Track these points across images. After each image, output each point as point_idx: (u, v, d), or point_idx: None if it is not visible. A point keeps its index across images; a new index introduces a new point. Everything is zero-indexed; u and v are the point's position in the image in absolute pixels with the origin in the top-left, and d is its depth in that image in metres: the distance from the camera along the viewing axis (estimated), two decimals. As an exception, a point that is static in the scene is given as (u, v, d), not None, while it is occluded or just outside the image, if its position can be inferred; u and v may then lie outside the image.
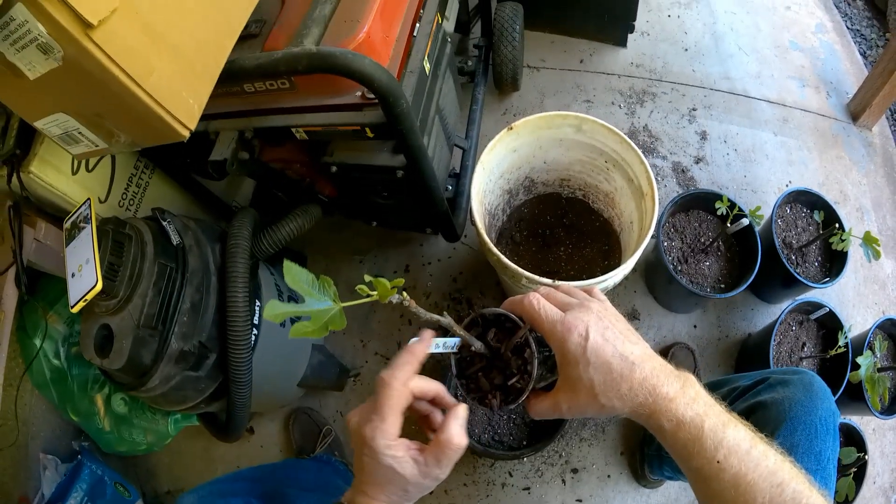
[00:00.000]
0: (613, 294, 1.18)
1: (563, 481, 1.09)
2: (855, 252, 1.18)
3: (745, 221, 1.09)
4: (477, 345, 0.52)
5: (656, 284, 1.17)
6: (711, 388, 0.76)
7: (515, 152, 1.02)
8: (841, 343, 1.08)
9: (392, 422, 0.45)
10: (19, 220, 1.07)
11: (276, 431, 1.19)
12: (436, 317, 0.46)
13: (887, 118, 1.52)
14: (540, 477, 1.09)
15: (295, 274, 0.42)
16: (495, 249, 0.87)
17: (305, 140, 0.92)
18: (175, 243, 0.94)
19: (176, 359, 0.88)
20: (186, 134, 0.71)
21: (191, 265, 0.92)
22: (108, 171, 1.09)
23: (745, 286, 1.07)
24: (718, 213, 1.08)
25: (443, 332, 0.51)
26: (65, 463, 1.28)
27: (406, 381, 0.46)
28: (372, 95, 0.78)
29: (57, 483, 1.21)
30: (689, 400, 0.44)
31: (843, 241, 1.11)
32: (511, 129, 0.98)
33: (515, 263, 0.86)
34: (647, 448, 1.02)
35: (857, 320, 1.28)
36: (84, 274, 0.86)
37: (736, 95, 1.33)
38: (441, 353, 0.53)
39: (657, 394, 0.44)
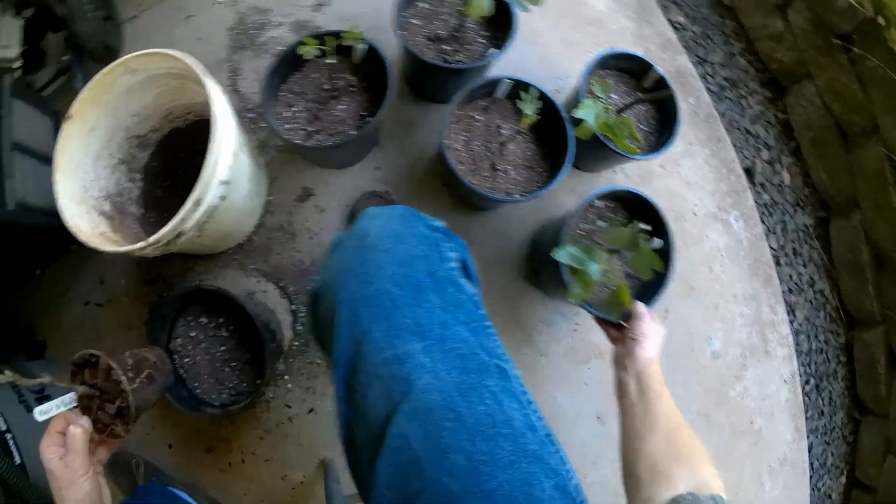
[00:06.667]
0: (274, 188, 1.17)
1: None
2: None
3: (361, 47, 1.03)
4: (80, 389, 0.63)
5: (306, 154, 1.14)
6: None
7: (97, 130, 1.01)
8: (527, 109, 0.99)
9: (48, 437, 0.59)
10: None
11: (113, 488, 1.26)
12: (33, 381, 0.59)
13: None
14: (313, 393, 1.12)
15: None
16: (84, 238, 0.89)
17: None
18: None
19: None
20: None
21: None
22: None
23: (385, 103, 1.01)
24: (303, 55, 1.01)
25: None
26: None
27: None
28: None
29: None
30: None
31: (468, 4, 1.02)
32: (70, 117, 0.96)
33: (175, 211, 0.84)
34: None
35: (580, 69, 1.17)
36: None
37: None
38: (63, 412, 0.62)
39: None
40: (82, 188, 1.00)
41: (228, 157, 0.92)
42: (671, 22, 1.39)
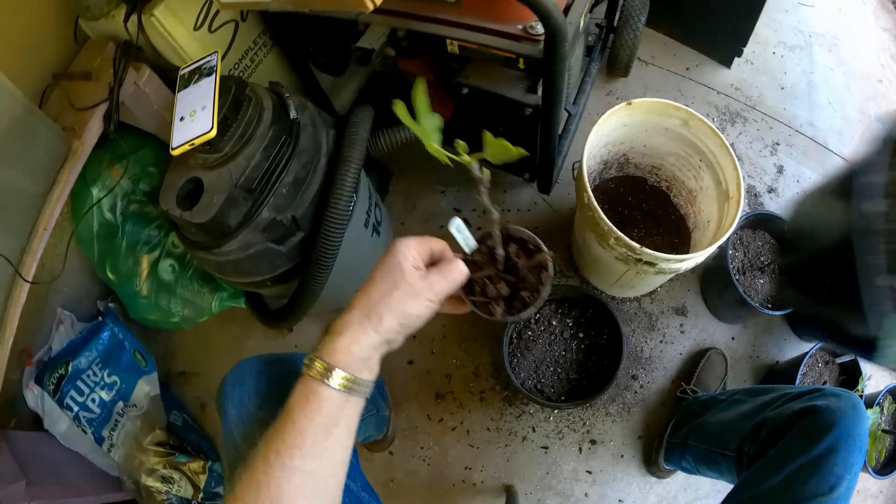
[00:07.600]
0: (669, 286, 1.28)
1: (580, 449, 1.17)
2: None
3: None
4: (500, 252, 0.59)
5: (710, 288, 1.28)
6: (759, 392, 0.90)
7: (625, 127, 1.12)
8: (860, 388, 1.19)
9: (420, 244, 0.54)
10: (126, 59, 1.10)
11: (315, 335, 1.24)
12: (492, 207, 0.55)
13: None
14: (560, 440, 1.18)
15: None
16: (595, 204, 0.96)
17: (438, 58, 0.98)
18: (292, 118, 0.98)
19: (263, 227, 0.92)
20: (370, 6, 0.77)
21: (302, 141, 0.97)
22: (229, 37, 1.15)
23: (790, 309, 1.17)
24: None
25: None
26: (81, 322, 1.26)
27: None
28: (533, 32, 0.86)
29: (70, 340, 1.21)
30: None
31: None
32: (630, 104, 1.08)
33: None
34: (672, 436, 1.11)
35: (873, 380, 1.38)
36: (196, 119, 0.88)
37: (816, 143, 1.46)
38: (456, 243, 0.58)
39: None
40: (590, 153, 1.06)
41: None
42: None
